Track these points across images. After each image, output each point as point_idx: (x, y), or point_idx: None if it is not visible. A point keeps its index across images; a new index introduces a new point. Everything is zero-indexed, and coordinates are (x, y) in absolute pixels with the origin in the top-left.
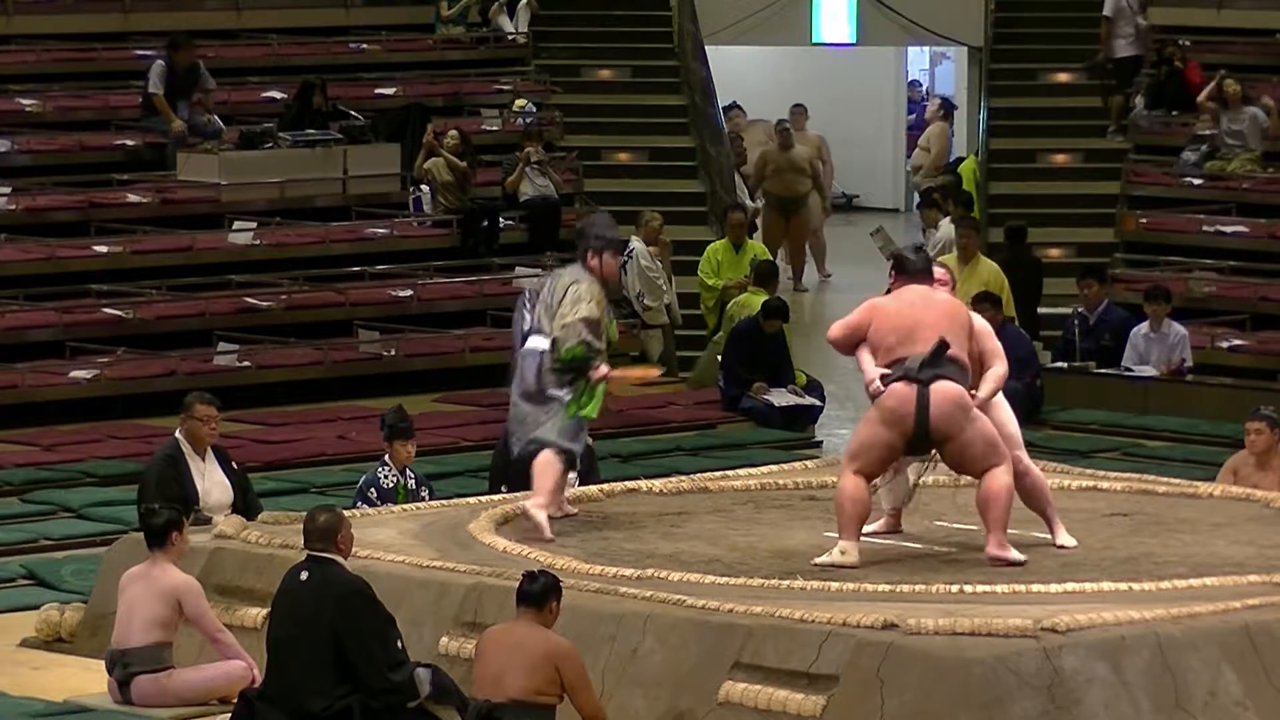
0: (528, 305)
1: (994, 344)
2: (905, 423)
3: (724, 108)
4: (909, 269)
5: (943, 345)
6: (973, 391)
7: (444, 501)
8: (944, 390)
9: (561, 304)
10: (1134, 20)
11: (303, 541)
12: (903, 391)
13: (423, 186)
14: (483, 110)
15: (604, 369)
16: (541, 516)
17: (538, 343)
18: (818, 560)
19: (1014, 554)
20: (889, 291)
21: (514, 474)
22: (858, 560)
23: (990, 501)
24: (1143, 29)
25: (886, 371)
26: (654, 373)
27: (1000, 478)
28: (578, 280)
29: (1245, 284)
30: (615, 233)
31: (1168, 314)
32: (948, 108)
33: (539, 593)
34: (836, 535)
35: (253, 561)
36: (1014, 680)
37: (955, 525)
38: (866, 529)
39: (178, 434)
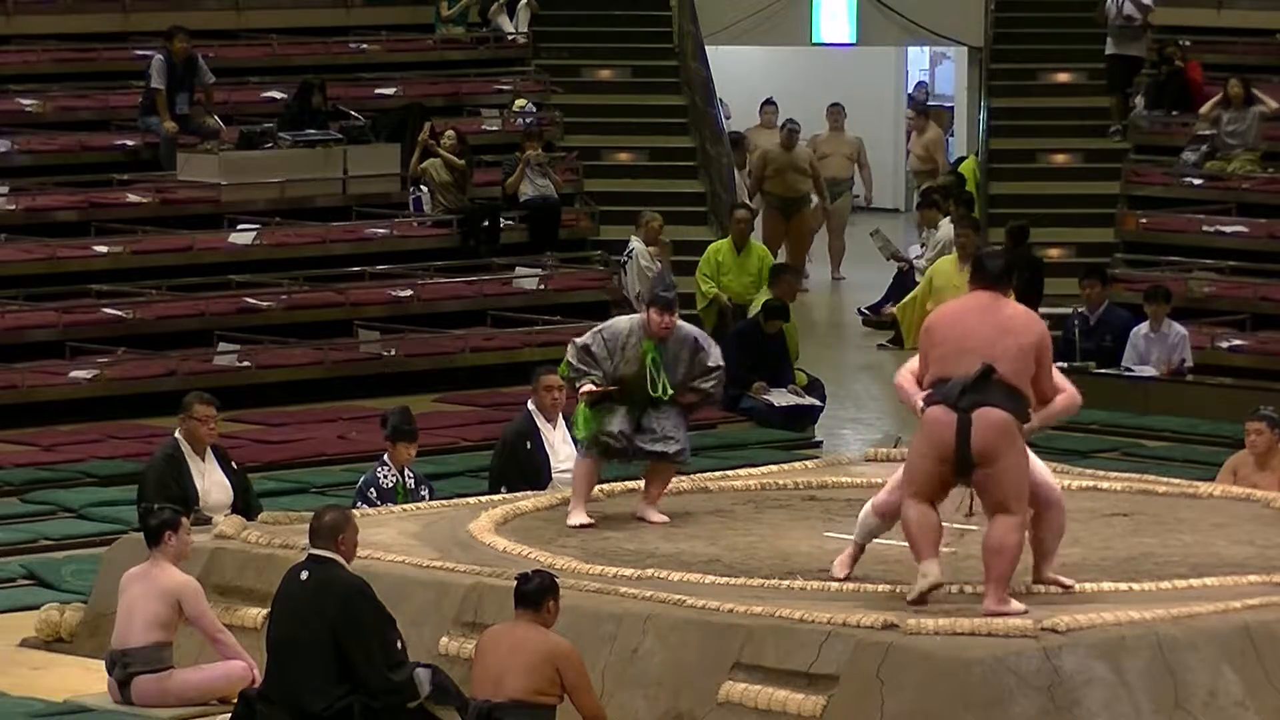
0: None
1: (1058, 378)
2: (946, 449)
3: (761, 103)
4: (985, 272)
5: (987, 371)
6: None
7: (444, 501)
8: (987, 416)
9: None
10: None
11: (307, 538)
12: (941, 417)
13: (421, 186)
14: (483, 110)
15: (586, 387)
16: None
17: None
18: (911, 597)
19: (1014, 606)
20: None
21: None
22: (940, 577)
23: (999, 554)
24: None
25: (929, 391)
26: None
27: (1013, 532)
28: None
29: (1245, 284)
30: (661, 289)
31: (1167, 314)
32: (920, 108)
33: (534, 593)
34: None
35: (253, 561)
36: (1014, 680)
37: (955, 526)
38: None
39: (177, 434)
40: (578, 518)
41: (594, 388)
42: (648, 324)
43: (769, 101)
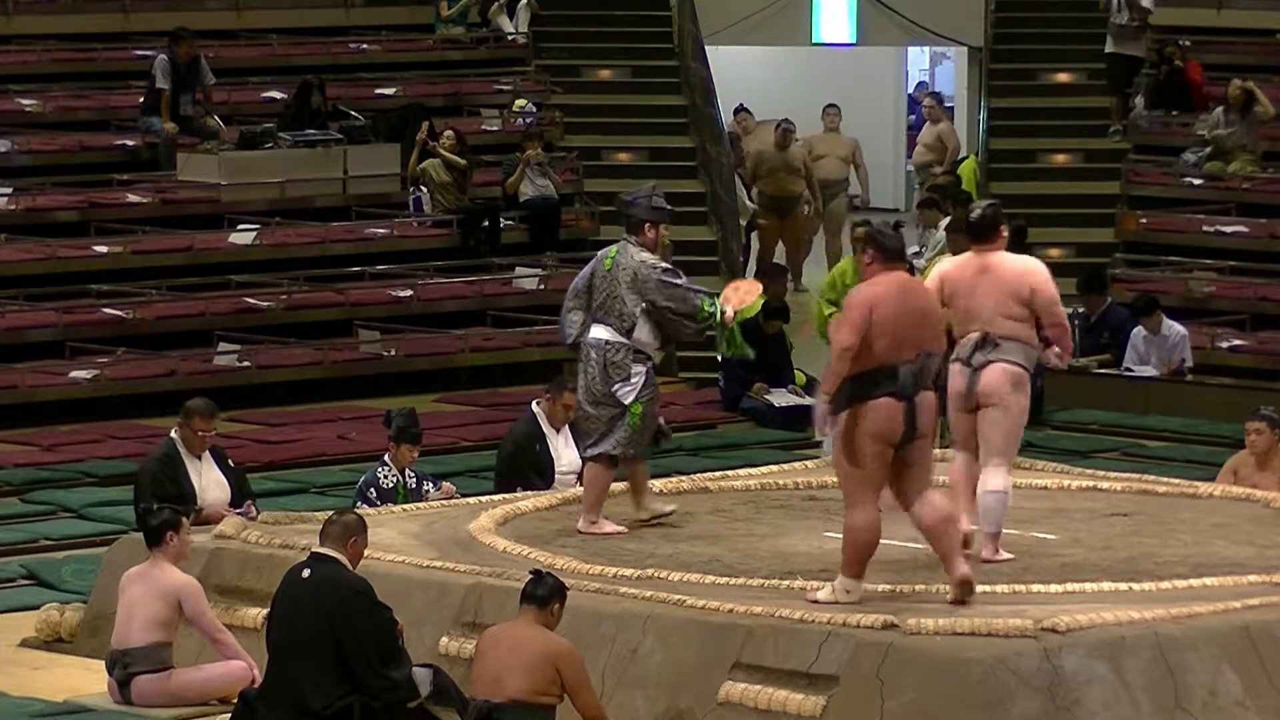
0: (574, 302)
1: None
2: (895, 435)
3: (734, 110)
4: (888, 253)
5: (931, 358)
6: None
7: (444, 501)
8: (927, 400)
9: (647, 286)
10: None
11: (316, 537)
12: (893, 407)
13: (421, 187)
14: (483, 110)
15: (729, 311)
16: (602, 528)
17: (600, 333)
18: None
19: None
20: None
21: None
22: (861, 596)
23: (939, 533)
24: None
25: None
26: (758, 287)
27: (944, 506)
28: (642, 259)
29: (1245, 284)
30: (666, 204)
31: (1164, 315)
32: (938, 97)
33: (543, 595)
34: (837, 535)
35: (253, 561)
36: (1014, 680)
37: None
38: None
39: (174, 434)
40: (610, 525)
41: (731, 310)
42: (654, 243)
43: (741, 108)
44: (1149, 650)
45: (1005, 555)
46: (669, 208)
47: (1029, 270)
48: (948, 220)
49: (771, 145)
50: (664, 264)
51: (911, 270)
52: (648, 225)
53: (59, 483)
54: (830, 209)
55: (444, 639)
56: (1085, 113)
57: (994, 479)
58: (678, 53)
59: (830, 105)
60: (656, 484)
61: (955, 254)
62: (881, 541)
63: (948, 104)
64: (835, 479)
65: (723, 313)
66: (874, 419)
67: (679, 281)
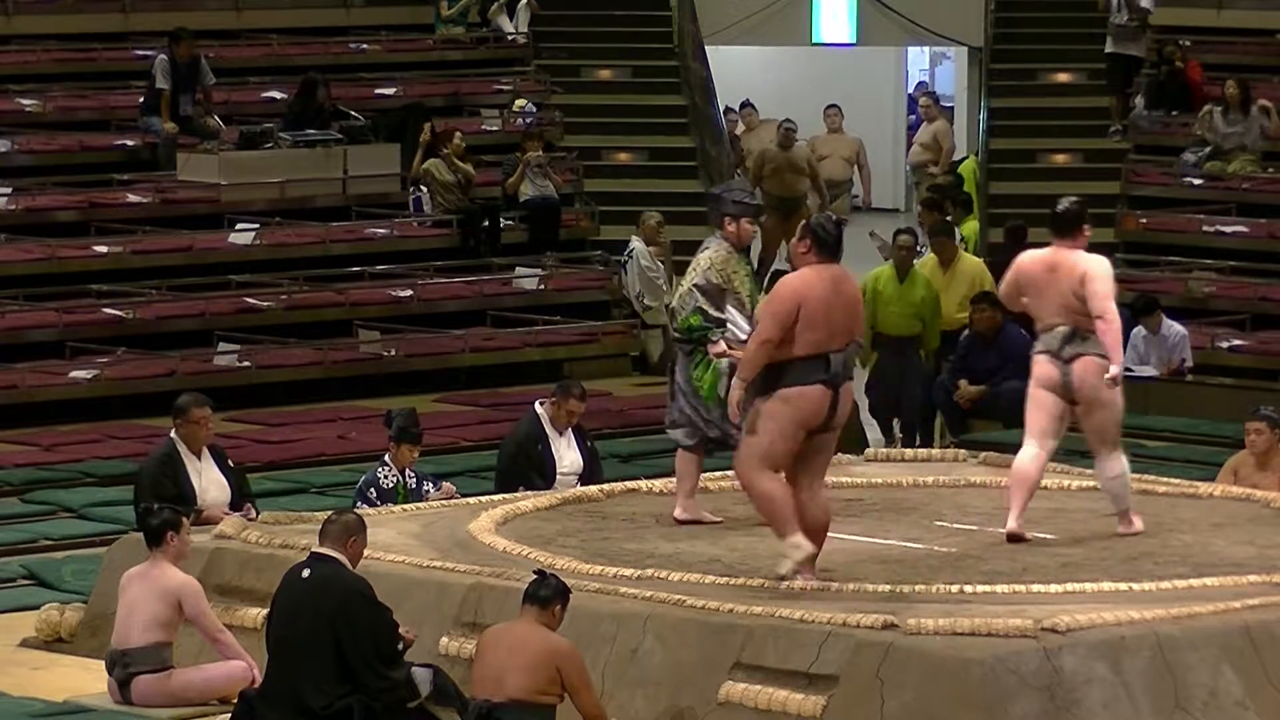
0: None
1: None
2: (817, 419)
3: (739, 105)
4: (824, 247)
5: (856, 349)
6: None
7: (444, 501)
8: (846, 391)
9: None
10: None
11: (316, 537)
12: (822, 393)
13: (422, 187)
14: (483, 110)
15: (720, 345)
16: (685, 516)
17: None
18: (784, 575)
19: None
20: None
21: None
22: (807, 549)
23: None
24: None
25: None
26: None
27: (828, 516)
28: (705, 246)
29: (1245, 284)
30: (753, 198)
31: (1164, 316)
32: (934, 97)
33: (546, 596)
34: (847, 537)
35: (253, 561)
36: (1014, 680)
37: (955, 525)
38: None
39: (173, 434)
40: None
41: (728, 348)
42: (736, 237)
43: (746, 104)
44: (1149, 650)
45: (1138, 525)
46: (751, 202)
47: (1086, 265)
48: (937, 223)
49: (775, 145)
50: (709, 266)
51: None
52: (727, 219)
53: (59, 483)
54: (832, 209)
55: (444, 639)
56: (1085, 113)
57: (1111, 466)
58: (678, 53)
59: (831, 105)
60: (656, 483)
61: (938, 254)
62: (879, 542)
63: (945, 104)
64: (835, 479)
65: (713, 341)
66: (805, 406)
67: (698, 284)
